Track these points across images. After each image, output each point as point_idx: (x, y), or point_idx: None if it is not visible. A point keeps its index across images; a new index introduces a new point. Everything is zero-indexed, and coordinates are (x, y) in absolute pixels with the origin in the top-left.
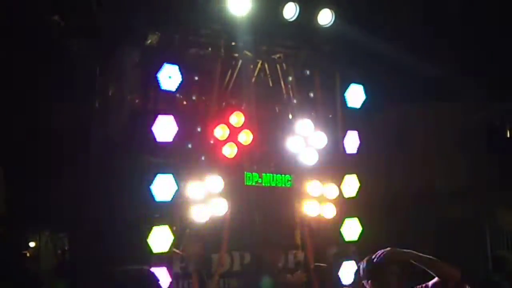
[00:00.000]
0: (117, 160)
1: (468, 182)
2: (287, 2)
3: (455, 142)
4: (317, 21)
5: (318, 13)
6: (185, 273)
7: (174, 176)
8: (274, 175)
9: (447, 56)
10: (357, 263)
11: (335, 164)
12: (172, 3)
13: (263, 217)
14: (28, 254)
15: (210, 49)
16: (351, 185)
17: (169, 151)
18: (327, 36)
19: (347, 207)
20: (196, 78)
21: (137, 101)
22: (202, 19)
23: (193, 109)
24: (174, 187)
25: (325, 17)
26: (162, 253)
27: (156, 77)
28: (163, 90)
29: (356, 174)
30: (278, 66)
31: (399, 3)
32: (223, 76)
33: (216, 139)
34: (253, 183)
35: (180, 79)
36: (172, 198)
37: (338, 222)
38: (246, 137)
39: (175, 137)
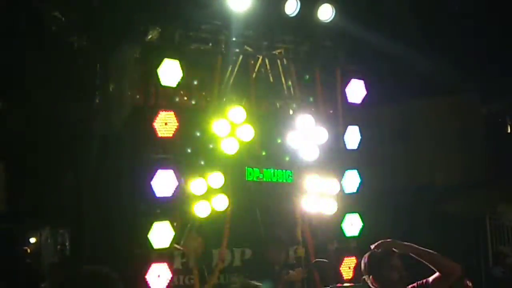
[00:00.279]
0: (118, 156)
1: (469, 178)
2: None
3: (456, 137)
4: (317, 16)
5: (318, 8)
6: (186, 269)
7: (174, 172)
8: (275, 170)
9: (448, 52)
10: (357, 259)
11: (336, 159)
12: None
13: (264, 212)
14: (29, 250)
15: (210, 44)
16: (351, 180)
17: (170, 146)
18: (328, 32)
19: (347, 202)
20: (197, 73)
21: (137, 97)
22: (202, 14)
23: (194, 104)
24: (174, 183)
25: (326, 12)
26: (163, 249)
27: (156, 73)
28: (163, 85)
29: (357, 169)
30: (278, 62)
31: None
32: (224, 71)
33: (217, 135)
34: (254, 179)
35: (181, 75)
36: (173, 194)
37: (339, 217)
38: (246, 132)
39: (175, 132)
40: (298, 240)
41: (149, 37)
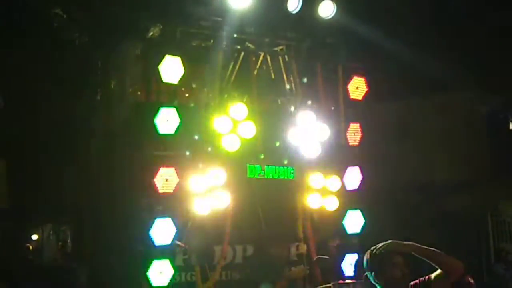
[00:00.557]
0: (119, 153)
1: (470, 175)
2: None
3: (457, 134)
4: (319, 13)
5: (320, 5)
6: (188, 265)
7: (176, 169)
8: (277, 167)
9: (449, 48)
10: (359, 255)
11: (338, 156)
12: None
13: (265, 209)
14: (30, 247)
15: (212, 41)
16: (353, 177)
17: (171, 143)
18: (329, 28)
19: (349, 199)
20: (198, 70)
21: (139, 93)
22: (204, 11)
23: (196, 101)
24: (176, 180)
25: (327, 9)
26: (164, 246)
27: (158, 69)
28: (165, 82)
29: (359, 166)
30: (280, 58)
31: None
32: (225, 68)
33: (218, 132)
34: (256, 176)
35: (182, 71)
36: (174, 191)
37: (340, 214)
38: (248, 129)
39: (177, 129)
40: (300, 237)
41: (150, 34)
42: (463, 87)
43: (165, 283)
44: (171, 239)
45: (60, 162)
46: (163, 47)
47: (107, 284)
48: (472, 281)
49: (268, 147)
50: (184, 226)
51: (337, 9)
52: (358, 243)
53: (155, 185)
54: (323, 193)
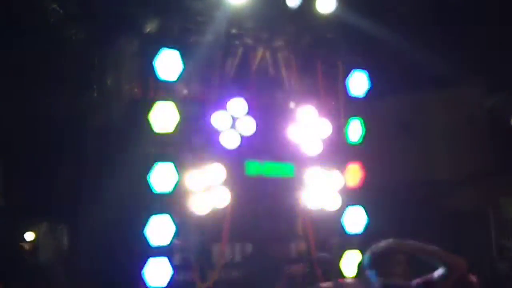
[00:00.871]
0: (116, 150)
1: (472, 171)
2: None
3: (459, 131)
4: (319, 8)
5: (319, 0)
6: (186, 264)
7: (174, 166)
8: (276, 164)
9: (451, 45)
10: (360, 253)
11: (338, 153)
12: None
13: (264, 207)
14: (27, 246)
15: (210, 37)
16: (354, 174)
17: (169, 140)
18: (329, 24)
19: (350, 196)
20: (196, 66)
21: (136, 90)
22: (202, 6)
23: (193, 97)
24: (174, 177)
25: (327, 4)
26: (162, 244)
27: (155, 66)
28: (162, 78)
29: (359, 163)
30: (279, 54)
31: None
32: (224, 64)
33: (217, 128)
34: (255, 173)
35: (180, 68)
36: (172, 189)
37: (341, 212)
38: (247, 125)
39: (175, 126)
40: (300, 235)
41: (148, 30)
42: (465, 84)
43: (163, 283)
44: (168, 238)
45: (56, 160)
46: (161, 43)
47: (104, 284)
48: (475, 279)
49: (268, 144)
50: (182, 224)
51: (337, 4)
52: (358, 241)
53: (153, 182)
54: (323, 190)
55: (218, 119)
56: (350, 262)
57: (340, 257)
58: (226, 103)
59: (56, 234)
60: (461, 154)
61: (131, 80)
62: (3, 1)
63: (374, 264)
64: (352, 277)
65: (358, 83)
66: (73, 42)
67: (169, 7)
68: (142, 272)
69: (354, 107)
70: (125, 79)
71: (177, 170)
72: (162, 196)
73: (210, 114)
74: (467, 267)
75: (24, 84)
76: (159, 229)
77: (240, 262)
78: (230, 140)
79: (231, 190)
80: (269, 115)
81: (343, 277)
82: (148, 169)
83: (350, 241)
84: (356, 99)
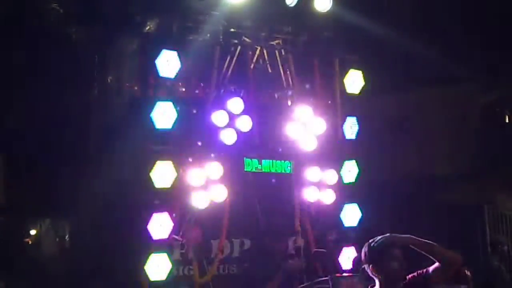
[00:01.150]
0: (117, 147)
1: (467, 168)
2: None
3: (454, 127)
4: (315, 6)
5: None
6: (185, 260)
7: (173, 163)
8: (274, 161)
9: (445, 41)
10: (356, 249)
11: (335, 150)
12: None
13: (262, 203)
14: (30, 242)
15: (209, 35)
16: (350, 170)
17: (168, 137)
18: (326, 22)
19: (346, 192)
20: (195, 64)
21: (136, 88)
22: (200, 5)
23: (192, 95)
24: (173, 174)
25: (324, 2)
26: (162, 240)
27: (154, 64)
28: (162, 77)
29: (355, 159)
30: (277, 53)
31: None
32: (222, 62)
33: (215, 126)
34: (253, 169)
35: (179, 66)
36: (171, 185)
37: (337, 207)
38: (245, 123)
39: (174, 123)
40: (297, 231)
41: (147, 28)
42: (460, 80)
43: (163, 278)
44: (168, 234)
45: (58, 157)
46: (160, 42)
47: (105, 279)
48: (468, 273)
49: (265, 141)
50: (181, 220)
51: (333, 2)
52: (355, 236)
53: (152, 179)
54: (320, 186)
55: (216, 117)
56: (347, 257)
57: (337, 252)
58: (224, 101)
59: (58, 231)
60: (456, 150)
61: (131, 78)
62: (4, 1)
63: (371, 258)
64: (349, 272)
65: (355, 81)
66: (73, 41)
67: (168, 7)
68: (143, 267)
69: (350, 104)
70: (125, 77)
71: (176, 167)
72: (161, 192)
73: (209, 112)
74: (463, 262)
75: (25, 83)
76: (159, 225)
77: (238, 257)
78: (228, 137)
79: (229, 186)
80: (266, 112)
81: (340, 272)
82: (148, 165)
83: (347, 236)
84: (352, 96)
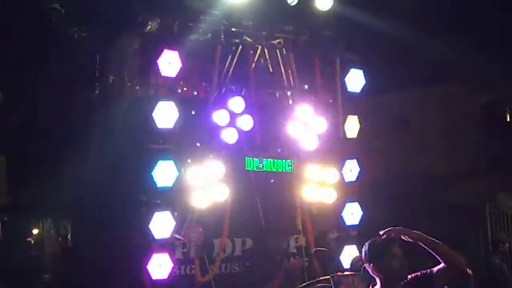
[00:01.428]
0: (118, 146)
1: (469, 166)
2: None
3: (455, 126)
4: (316, 5)
5: None
6: (187, 259)
7: (175, 162)
8: (275, 160)
9: (446, 40)
10: (358, 247)
11: (336, 149)
12: None
13: (264, 202)
14: (32, 241)
15: (210, 35)
16: (351, 169)
17: (170, 137)
18: (327, 21)
19: (347, 191)
20: (196, 64)
21: (137, 87)
22: (201, 5)
23: (193, 95)
24: (175, 173)
25: (325, 1)
26: (163, 239)
27: (156, 64)
28: (163, 76)
29: (357, 158)
30: (278, 52)
31: None
32: (223, 62)
33: (216, 125)
34: (254, 169)
35: (180, 65)
36: (173, 184)
37: (338, 206)
38: (246, 122)
39: (175, 123)
40: (298, 229)
41: (148, 28)
42: (461, 79)
43: (165, 277)
44: (170, 233)
45: (60, 157)
46: (161, 42)
47: (107, 278)
48: (470, 272)
49: (266, 140)
50: (183, 219)
51: (334, 0)
52: (356, 235)
53: (154, 178)
54: (321, 185)
55: (217, 116)
56: (348, 256)
57: (339, 251)
58: (225, 100)
59: (59, 230)
60: (457, 149)
61: (133, 77)
62: (5, 1)
63: (371, 257)
64: (350, 271)
65: (355, 80)
66: (75, 41)
67: (169, 6)
68: (145, 266)
69: (351, 103)
70: (127, 76)
71: (177, 166)
72: (163, 191)
73: (210, 111)
74: (468, 266)
75: (27, 83)
76: (161, 224)
77: (240, 256)
78: (229, 137)
79: (231, 185)
80: (267, 111)
81: (342, 270)
82: (150, 165)
83: (348, 235)
84: (353, 95)
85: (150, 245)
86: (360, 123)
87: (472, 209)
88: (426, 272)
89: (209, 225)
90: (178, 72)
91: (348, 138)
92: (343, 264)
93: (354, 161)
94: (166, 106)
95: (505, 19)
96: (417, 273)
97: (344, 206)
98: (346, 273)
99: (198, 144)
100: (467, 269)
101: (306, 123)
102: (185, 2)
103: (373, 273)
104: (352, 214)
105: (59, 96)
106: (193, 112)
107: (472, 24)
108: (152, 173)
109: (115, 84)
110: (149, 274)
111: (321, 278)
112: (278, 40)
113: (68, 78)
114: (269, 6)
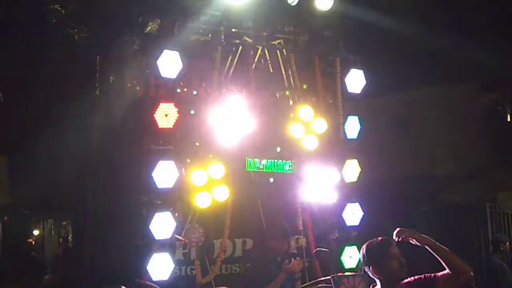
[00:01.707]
0: (118, 147)
1: (469, 166)
2: None
3: (456, 127)
4: (317, 5)
5: None
6: (187, 260)
7: (175, 163)
8: (275, 161)
9: (447, 40)
10: (358, 248)
11: (336, 149)
12: None
13: (264, 203)
14: (33, 243)
15: (210, 35)
16: (352, 170)
17: (170, 138)
18: (327, 21)
19: (348, 192)
20: (197, 64)
21: (137, 88)
22: (201, 5)
23: (194, 95)
24: (175, 174)
25: (325, 0)
26: (164, 240)
27: (156, 65)
28: (163, 77)
29: (357, 159)
30: (278, 52)
31: None
32: (224, 62)
33: (217, 126)
34: (254, 169)
35: (181, 66)
36: (173, 185)
37: (339, 207)
38: (246, 123)
39: (176, 124)
40: (299, 230)
41: (148, 28)
42: (461, 80)
43: (165, 277)
44: (170, 234)
45: (60, 158)
46: (161, 42)
47: (108, 279)
48: (472, 274)
49: (267, 141)
50: (183, 220)
51: (335, 1)
52: (357, 235)
53: (155, 179)
54: (321, 186)
55: (218, 117)
56: (349, 257)
57: (339, 252)
58: (225, 101)
59: (60, 231)
60: (458, 149)
61: (133, 78)
62: (5, 1)
63: (371, 260)
64: (351, 271)
65: (356, 80)
66: (74, 42)
67: (169, 6)
68: (145, 267)
69: (352, 104)
70: (127, 77)
71: (178, 167)
72: (164, 192)
73: (210, 112)
74: (472, 275)
75: (27, 83)
76: (161, 225)
77: (240, 257)
78: (230, 137)
79: (231, 186)
80: (268, 112)
81: (342, 271)
82: (150, 165)
83: (349, 236)
84: (354, 96)
85: (151, 246)
86: (360, 123)
87: (472, 209)
88: (430, 276)
89: (210, 226)
90: (178, 73)
91: (348, 139)
92: (344, 265)
93: (355, 161)
94: (166, 106)
95: (505, 19)
96: (420, 276)
97: (344, 207)
98: (346, 273)
99: (198, 145)
100: (471, 277)
101: (306, 124)
102: (186, 3)
103: (373, 275)
104: (353, 214)
105: (59, 97)
106: (193, 113)
107: (472, 24)
108: (152, 174)
109: (115, 85)
110: (150, 275)
111: (322, 278)
112: (278, 41)
113: (68, 79)
114: (269, 6)
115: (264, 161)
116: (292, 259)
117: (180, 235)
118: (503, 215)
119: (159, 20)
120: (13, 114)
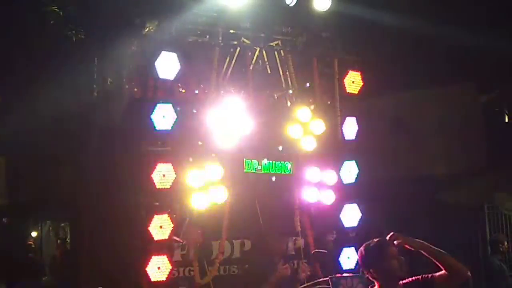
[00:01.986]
0: (117, 149)
1: (467, 167)
2: None
3: (454, 127)
4: (315, 6)
5: None
6: (186, 261)
7: (173, 164)
8: (273, 162)
9: (445, 41)
10: (356, 249)
11: (334, 150)
12: None
13: (262, 204)
14: (33, 245)
15: (207, 37)
16: (350, 171)
17: (168, 139)
18: (325, 22)
19: (346, 193)
20: (194, 66)
21: (135, 89)
22: (199, 7)
23: (192, 97)
24: (173, 175)
25: (323, 2)
26: (162, 241)
27: (154, 66)
28: (161, 78)
29: (355, 160)
30: (276, 53)
31: None
32: (221, 64)
33: (215, 127)
34: (253, 170)
35: (178, 67)
36: (171, 186)
37: (337, 208)
38: (245, 124)
39: (174, 125)
40: (297, 231)
41: (146, 30)
42: (460, 80)
43: (163, 279)
44: (169, 235)
45: (58, 159)
46: (159, 43)
47: (106, 280)
48: (469, 273)
49: (265, 142)
50: (181, 221)
51: (333, 2)
52: (355, 236)
53: (153, 181)
54: (320, 187)
55: (216, 118)
56: (347, 258)
57: (337, 252)
58: (223, 102)
59: (58, 233)
60: (455, 149)
61: (131, 79)
62: (4, 2)
63: (371, 262)
64: (349, 272)
65: (354, 81)
66: (73, 43)
67: (167, 8)
68: (144, 269)
69: (350, 105)
70: (125, 78)
71: (176, 168)
72: (162, 193)
73: (208, 113)
74: (470, 275)
75: (26, 84)
76: (159, 226)
77: (239, 258)
78: (228, 139)
79: (229, 187)
80: (266, 113)
81: (341, 272)
82: (148, 167)
83: (347, 237)
84: (351, 97)
85: (149, 247)
86: (358, 124)
87: (470, 210)
88: (427, 277)
89: (208, 227)
90: (176, 74)
91: (346, 140)
92: (342, 266)
93: (353, 162)
94: (164, 108)
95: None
96: (417, 276)
97: (342, 208)
98: (345, 274)
99: (197, 146)
100: (468, 277)
101: (304, 125)
102: (183, 4)
103: (372, 277)
104: (351, 215)
105: (57, 98)
106: (191, 114)
107: (472, 24)
108: (151, 175)
109: (113, 86)
110: (148, 276)
111: (320, 279)
112: (276, 42)
113: (66, 81)
114: (267, 8)
115: (262, 162)
116: (278, 267)
117: (178, 236)
118: (501, 216)
119: (156, 22)
120: (12, 114)
